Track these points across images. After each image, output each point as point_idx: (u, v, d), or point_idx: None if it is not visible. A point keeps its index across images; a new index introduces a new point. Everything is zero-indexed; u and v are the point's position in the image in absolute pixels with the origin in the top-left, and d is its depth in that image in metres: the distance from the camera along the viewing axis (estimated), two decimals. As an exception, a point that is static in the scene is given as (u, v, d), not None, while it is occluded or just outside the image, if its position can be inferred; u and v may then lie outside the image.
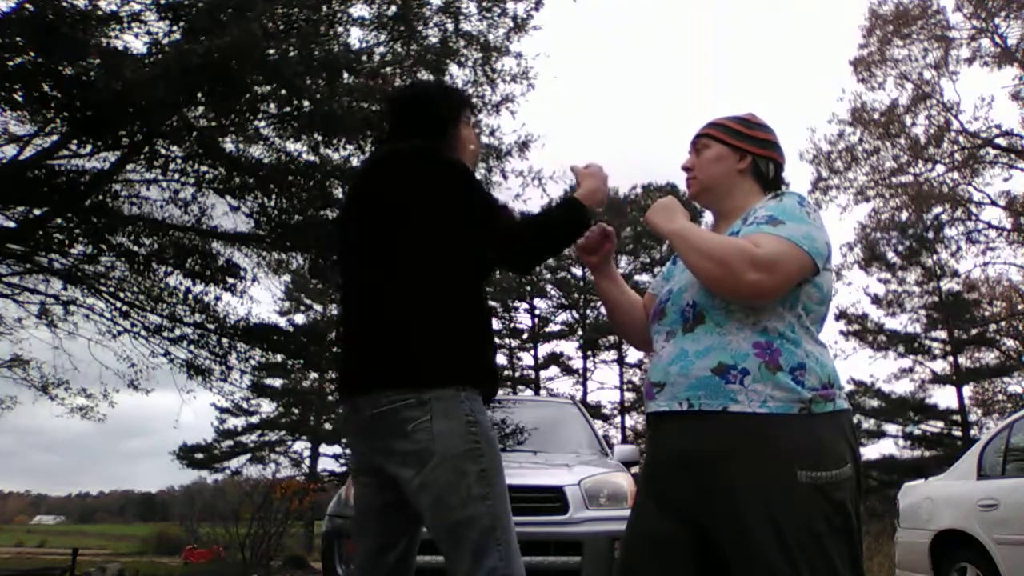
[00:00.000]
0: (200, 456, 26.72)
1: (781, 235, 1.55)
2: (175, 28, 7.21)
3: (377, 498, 1.88)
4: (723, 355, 1.55)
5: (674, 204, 1.73)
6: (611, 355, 28.72)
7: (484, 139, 8.97)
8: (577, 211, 1.89)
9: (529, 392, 25.58)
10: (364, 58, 8.03)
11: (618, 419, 28.75)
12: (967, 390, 23.66)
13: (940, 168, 19.61)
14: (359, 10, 8.25)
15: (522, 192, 8.96)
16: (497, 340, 28.23)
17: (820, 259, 1.58)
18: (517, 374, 28.43)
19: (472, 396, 1.80)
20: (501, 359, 28.09)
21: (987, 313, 22.88)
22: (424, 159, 1.89)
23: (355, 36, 8.47)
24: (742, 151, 1.78)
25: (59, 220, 8.58)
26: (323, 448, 26.74)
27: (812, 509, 1.45)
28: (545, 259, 1.99)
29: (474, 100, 8.78)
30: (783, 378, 1.51)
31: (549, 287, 28.08)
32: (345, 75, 7.51)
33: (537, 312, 28.52)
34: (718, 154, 1.78)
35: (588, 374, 28.68)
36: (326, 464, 26.65)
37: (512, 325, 28.56)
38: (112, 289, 9.78)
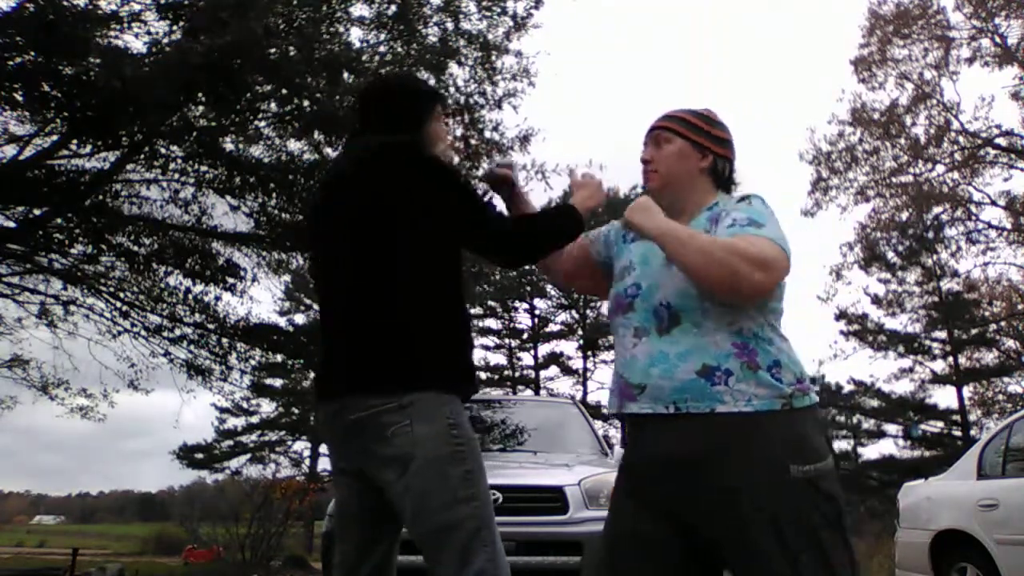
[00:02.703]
0: (200, 456, 26.71)
1: (767, 236, 1.58)
2: (175, 28, 7.21)
3: (358, 500, 1.88)
4: (706, 357, 1.56)
5: (652, 203, 1.71)
6: (611, 355, 28.69)
7: (487, 134, 8.97)
8: (570, 215, 1.93)
9: (529, 392, 25.56)
10: (364, 58, 8.03)
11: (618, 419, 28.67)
12: (967, 390, 23.67)
13: (940, 168, 19.60)
14: (359, 10, 8.27)
15: (524, 185, 8.89)
16: (497, 340, 28.08)
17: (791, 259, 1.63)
18: (517, 374, 28.43)
19: (452, 399, 1.80)
20: (501, 359, 28.11)
21: (987, 313, 22.87)
22: (410, 156, 1.87)
23: (355, 36, 8.48)
24: (704, 149, 1.78)
25: (59, 220, 8.59)
26: (323, 448, 26.70)
27: (807, 502, 1.48)
28: (536, 256, 2.01)
29: (475, 97, 8.79)
30: (764, 376, 1.54)
31: (549, 287, 28.07)
32: (345, 74, 7.51)
33: (537, 312, 28.49)
34: (681, 150, 1.77)
35: (588, 374, 28.65)
36: (326, 464, 26.54)
37: (512, 325, 28.55)
38: (112, 289, 9.79)
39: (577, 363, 28.97)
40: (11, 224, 8.52)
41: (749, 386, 1.52)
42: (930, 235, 22.49)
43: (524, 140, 9.21)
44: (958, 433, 23.28)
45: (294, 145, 8.80)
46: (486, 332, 27.55)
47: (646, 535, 1.58)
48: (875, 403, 25.03)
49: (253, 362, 10.65)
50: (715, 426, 1.52)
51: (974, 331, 23.18)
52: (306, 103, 7.57)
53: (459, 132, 8.59)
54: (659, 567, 1.57)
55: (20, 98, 6.95)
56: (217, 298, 9.71)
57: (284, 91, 7.49)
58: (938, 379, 24.09)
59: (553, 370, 28.63)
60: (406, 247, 1.81)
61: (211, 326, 9.91)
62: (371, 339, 1.79)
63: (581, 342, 28.55)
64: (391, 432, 1.73)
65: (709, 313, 1.58)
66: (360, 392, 1.77)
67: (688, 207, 1.76)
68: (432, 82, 8.30)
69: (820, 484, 1.50)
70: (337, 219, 1.91)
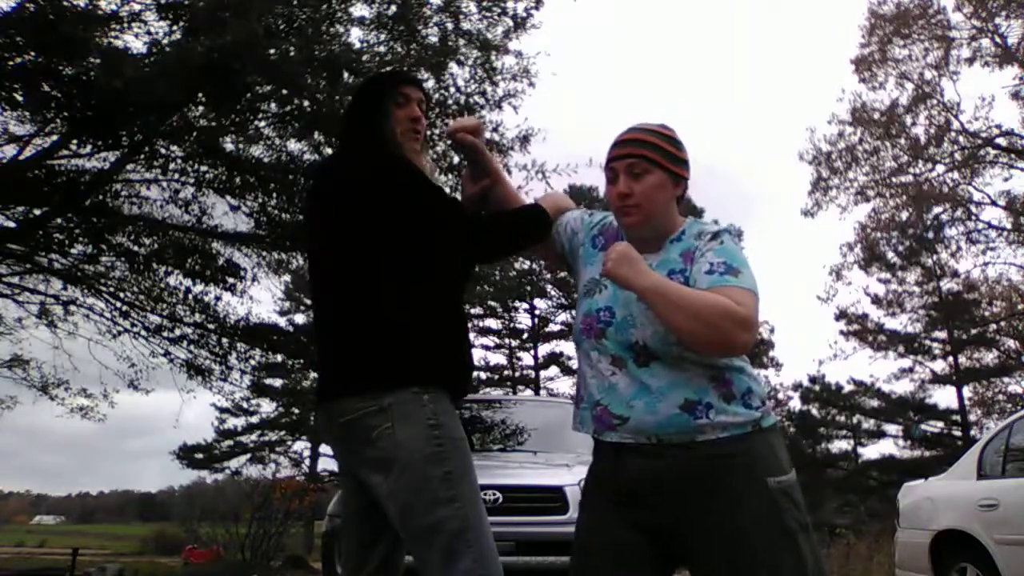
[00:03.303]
0: (200, 456, 26.71)
1: (746, 287, 1.59)
2: (175, 28, 7.21)
3: (358, 499, 1.91)
4: (687, 392, 1.59)
5: (634, 252, 1.61)
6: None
7: (487, 135, 8.93)
8: (539, 217, 1.95)
9: (529, 392, 25.57)
10: (364, 58, 8.02)
11: (618, 419, 28.62)
12: (967, 390, 23.68)
13: (940, 168, 19.60)
14: (359, 10, 8.26)
15: (525, 185, 8.90)
16: (497, 340, 27.98)
17: None
18: (517, 374, 28.43)
19: (436, 397, 1.80)
20: (501, 359, 28.09)
21: (987, 313, 22.87)
22: (367, 166, 1.91)
23: (355, 36, 8.48)
24: (678, 177, 1.71)
25: (59, 220, 8.59)
26: (323, 448, 26.71)
27: (783, 512, 1.58)
28: (505, 255, 2.06)
29: (475, 98, 8.77)
30: (738, 405, 1.62)
31: (549, 287, 28.08)
32: (345, 74, 7.51)
33: (537, 312, 28.49)
34: (660, 182, 1.68)
35: (588, 374, 28.59)
36: (326, 464, 26.65)
37: (512, 325, 28.55)
38: (112, 289, 9.79)
39: (577, 363, 28.95)
40: (11, 224, 8.53)
41: (727, 416, 1.60)
42: (930, 235, 22.49)
43: (524, 141, 9.19)
44: (958, 433, 23.28)
45: (294, 145, 8.80)
46: (486, 332, 27.56)
47: (624, 543, 1.64)
48: (875, 403, 25.03)
49: (253, 362, 10.66)
50: (698, 452, 1.59)
51: (974, 331, 23.18)
52: (306, 103, 7.58)
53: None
54: (634, 571, 1.64)
55: (20, 98, 6.95)
56: (217, 298, 9.73)
57: (284, 91, 7.49)
58: (938, 379, 24.09)
59: (553, 370, 28.62)
60: (379, 251, 1.84)
61: (211, 326, 9.92)
62: (351, 342, 1.83)
63: (581, 342, 28.47)
64: (375, 435, 1.75)
65: (685, 352, 1.60)
66: (347, 395, 1.80)
67: (655, 237, 1.72)
68: (432, 82, 8.31)
69: (793, 493, 1.61)
70: (317, 226, 1.98)
